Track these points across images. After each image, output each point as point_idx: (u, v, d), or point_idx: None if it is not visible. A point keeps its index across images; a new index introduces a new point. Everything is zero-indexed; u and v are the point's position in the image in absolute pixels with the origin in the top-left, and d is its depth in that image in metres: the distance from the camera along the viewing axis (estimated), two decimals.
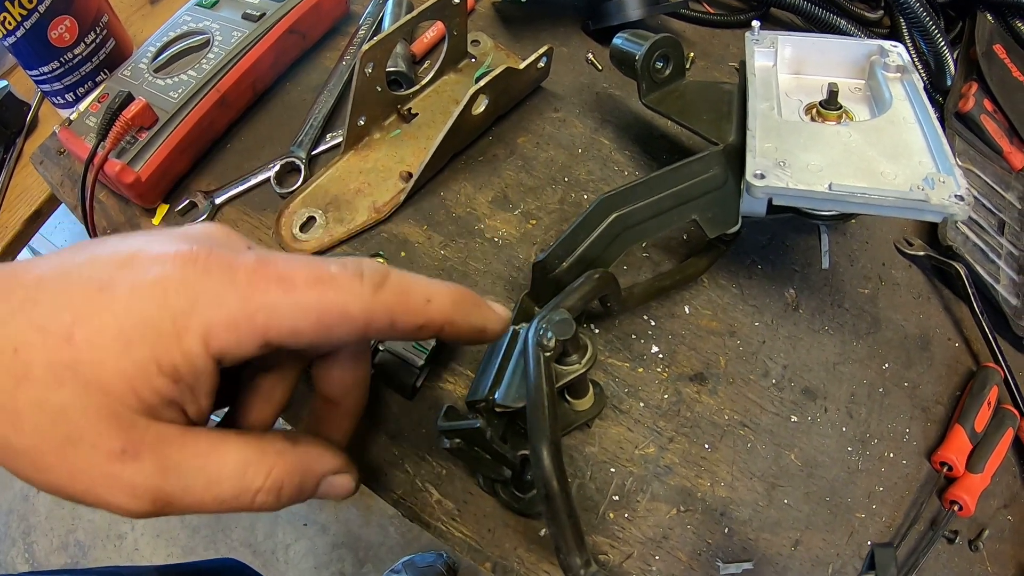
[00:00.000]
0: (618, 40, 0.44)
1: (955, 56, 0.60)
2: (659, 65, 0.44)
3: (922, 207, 0.32)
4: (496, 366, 0.33)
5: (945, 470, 0.43)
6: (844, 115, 0.43)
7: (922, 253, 0.50)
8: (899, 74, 0.43)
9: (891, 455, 0.43)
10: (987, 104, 0.57)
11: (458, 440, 0.30)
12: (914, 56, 0.59)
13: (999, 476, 0.43)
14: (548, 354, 0.30)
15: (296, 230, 0.45)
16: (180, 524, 1.47)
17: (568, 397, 0.36)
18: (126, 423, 0.19)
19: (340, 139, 0.49)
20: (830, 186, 0.33)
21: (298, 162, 0.48)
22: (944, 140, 0.36)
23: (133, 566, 0.65)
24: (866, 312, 0.48)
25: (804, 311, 0.46)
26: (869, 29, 0.61)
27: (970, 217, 0.51)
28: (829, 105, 0.42)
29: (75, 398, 0.19)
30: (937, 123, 0.38)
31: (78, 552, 1.48)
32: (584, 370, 0.32)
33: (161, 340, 0.19)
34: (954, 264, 0.48)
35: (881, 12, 0.62)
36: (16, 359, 0.18)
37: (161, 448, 0.20)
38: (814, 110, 0.43)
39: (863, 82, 0.47)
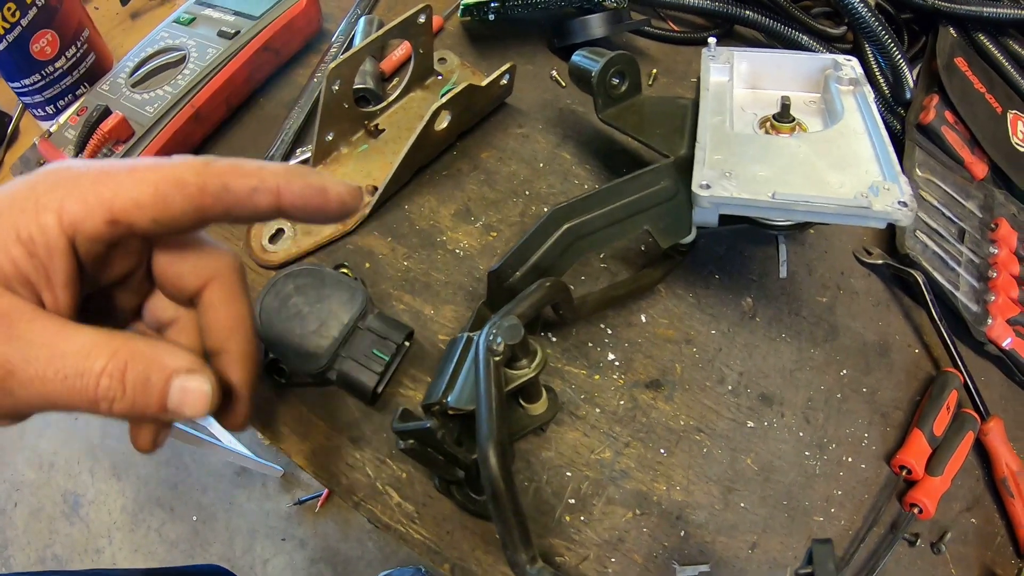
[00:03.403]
0: (576, 57, 0.46)
1: (917, 70, 0.62)
2: (615, 81, 0.45)
3: (865, 213, 0.34)
4: (450, 371, 0.34)
5: (904, 474, 0.44)
6: (797, 127, 0.44)
7: (880, 262, 0.51)
8: (852, 87, 0.45)
9: (849, 459, 0.44)
10: (948, 116, 0.58)
11: (412, 441, 0.31)
12: (876, 71, 0.60)
13: (960, 479, 0.44)
14: (497, 359, 0.31)
15: (265, 242, 0.47)
16: (159, 539, 1.47)
17: (522, 402, 0.37)
18: None
19: (309, 154, 0.50)
20: (773, 195, 0.34)
21: None
22: (891, 149, 0.38)
23: (120, 569, 0.65)
24: (824, 320, 0.49)
25: (761, 319, 0.47)
26: (832, 44, 0.62)
27: (929, 226, 0.53)
28: (782, 118, 0.44)
29: None
30: (885, 133, 0.39)
31: (55, 565, 1.48)
32: (533, 374, 0.33)
33: (23, 214, 0.21)
34: (912, 272, 0.49)
35: (844, 28, 0.63)
36: None
37: (9, 318, 0.21)
38: (768, 123, 0.45)
39: (818, 95, 0.48)
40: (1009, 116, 0.60)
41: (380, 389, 0.39)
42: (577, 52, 0.46)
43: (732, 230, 0.47)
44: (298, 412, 0.41)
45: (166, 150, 0.49)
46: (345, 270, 0.45)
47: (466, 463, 0.32)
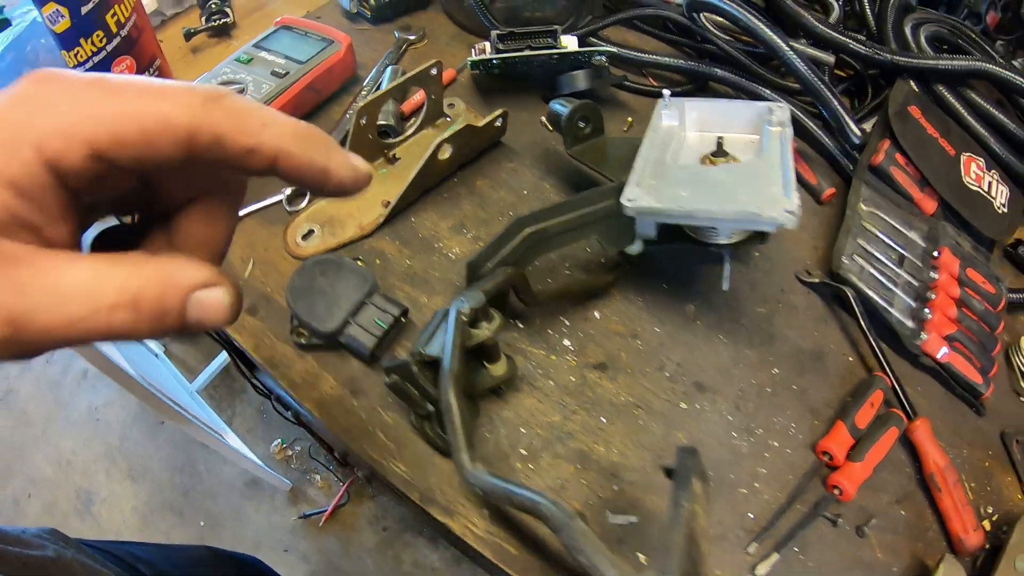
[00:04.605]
0: (552, 104, 0.57)
1: (875, 119, 0.69)
2: (582, 124, 0.57)
3: (756, 219, 0.43)
4: (430, 333, 0.44)
5: (826, 459, 0.49)
6: (730, 161, 0.54)
7: (818, 280, 0.58)
8: (780, 128, 0.54)
9: (776, 444, 0.50)
10: (899, 158, 0.65)
11: (395, 375, 0.41)
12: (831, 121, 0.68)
13: (890, 474, 0.49)
14: (464, 318, 0.41)
15: (299, 239, 0.58)
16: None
17: (485, 363, 0.46)
18: None
19: None
20: (681, 205, 0.44)
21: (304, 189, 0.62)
22: (792, 174, 0.46)
23: (185, 545, 0.68)
24: (762, 328, 0.56)
25: (702, 324, 0.56)
26: (795, 97, 0.71)
27: (867, 251, 0.59)
28: (717, 154, 0.54)
29: None
30: (791, 163, 0.48)
31: None
32: (491, 334, 0.42)
33: (2, 155, 0.19)
34: (843, 288, 0.56)
35: None
36: None
37: (8, 265, 0.19)
38: (707, 159, 0.55)
39: (758, 137, 0.57)
40: (963, 158, 0.66)
41: (377, 351, 0.49)
42: (553, 100, 0.58)
43: (680, 248, 0.57)
44: (311, 367, 0.51)
45: None
46: (360, 262, 0.56)
47: (434, 398, 0.42)
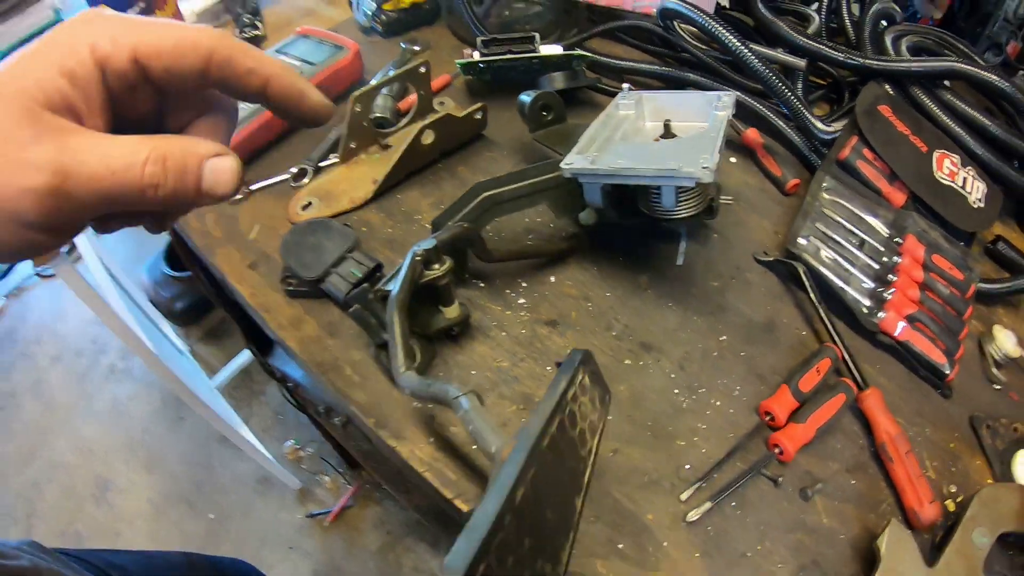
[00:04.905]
0: (521, 95, 0.65)
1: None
2: (544, 112, 0.63)
3: (676, 174, 0.48)
4: (392, 275, 0.50)
5: (768, 419, 0.51)
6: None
7: (772, 259, 0.62)
8: (724, 112, 0.58)
9: (718, 403, 0.53)
10: (866, 153, 0.68)
11: (356, 304, 0.47)
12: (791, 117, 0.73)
13: (841, 443, 0.51)
14: (418, 258, 0.47)
15: (299, 209, 0.66)
16: (177, 531, 1.58)
17: (440, 308, 0.52)
18: (35, 117, 0.24)
19: (338, 158, 0.70)
20: (611, 166, 0.49)
21: (308, 168, 0.70)
22: (719, 143, 0.51)
23: (163, 551, 0.73)
24: (713, 300, 0.59)
25: (653, 292, 0.60)
26: (767, 100, 0.76)
27: (825, 234, 0.63)
28: (665, 135, 0.60)
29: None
30: (722, 136, 0.52)
31: (74, 541, 1.59)
32: (441, 274, 0.48)
33: (61, 51, 0.25)
34: (794, 264, 0.59)
35: None
36: None
37: (61, 133, 0.25)
38: (656, 140, 0.61)
39: (707, 124, 0.62)
40: (935, 155, 0.69)
41: (351, 297, 0.55)
42: (523, 92, 0.65)
43: (637, 227, 0.62)
44: (297, 312, 0.58)
45: (240, 147, 0.69)
46: (349, 228, 0.63)
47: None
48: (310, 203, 0.66)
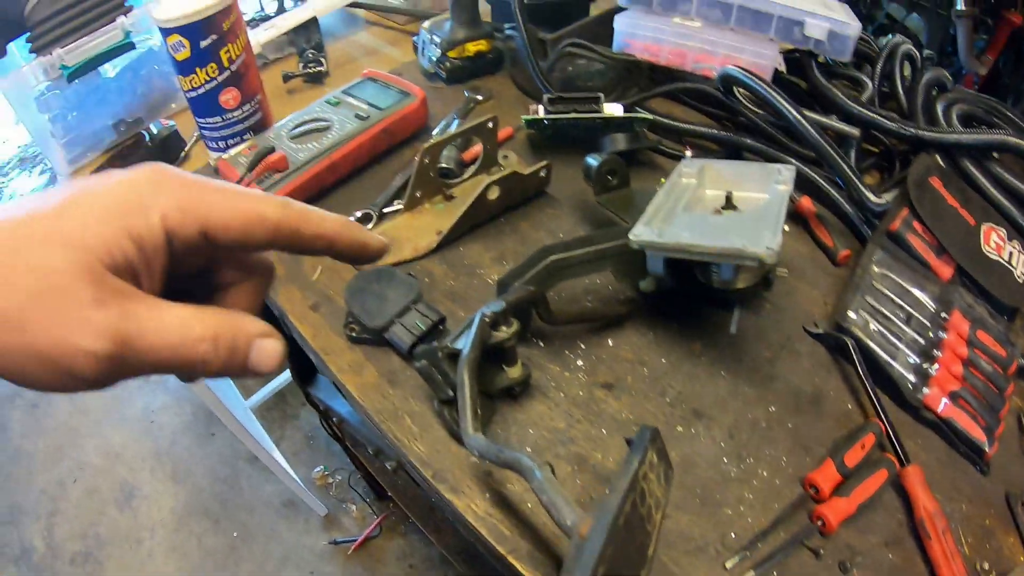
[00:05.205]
0: (587, 158, 0.67)
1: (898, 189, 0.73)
2: (609, 176, 0.65)
3: (739, 254, 0.49)
4: (459, 332, 0.52)
5: (812, 491, 0.51)
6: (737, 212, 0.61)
7: (823, 331, 0.62)
8: (785, 186, 0.60)
9: (765, 474, 0.53)
10: (916, 225, 0.69)
11: (424, 360, 0.49)
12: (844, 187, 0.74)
13: (880, 517, 0.51)
14: (486, 320, 0.49)
15: None
16: (197, 544, 1.60)
17: (504, 366, 0.53)
18: (99, 277, 0.24)
19: (402, 205, 0.73)
20: (678, 241, 0.51)
21: (372, 213, 0.72)
22: (781, 221, 0.52)
23: None
24: (763, 369, 0.60)
25: (705, 359, 0.61)
26: (820, 167, 0.76)
27: (874, 307, 0.63)
28: (726, 207, 0.61)
29: (63, 259, 0.24)
30: (783, 213, 0.54)
31: (95, 544, 1.61)
32: (507, 337, 0.50)
33: (131, 214, 0.25)
34: (844, 338, 0.59)
35: None
36: (6, 240, 0.24)
37: (123, 299, 0.25)
38: (717, 211, 0.62)
39: (767, 196, 0.62)
40: (983, 228, 0.69)
41: (415, 348, 0.57)
42: (588, 155, 0.67)
43: (693, 293, 0.63)
44: (358, 357, 0.60)
45: (308, 184, 0.72)
46: (412, 277, 0.65)
47: (455, 385, 0.49)
48: None
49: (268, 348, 0.28)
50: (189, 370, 0.26)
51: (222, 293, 0.32)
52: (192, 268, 0.30)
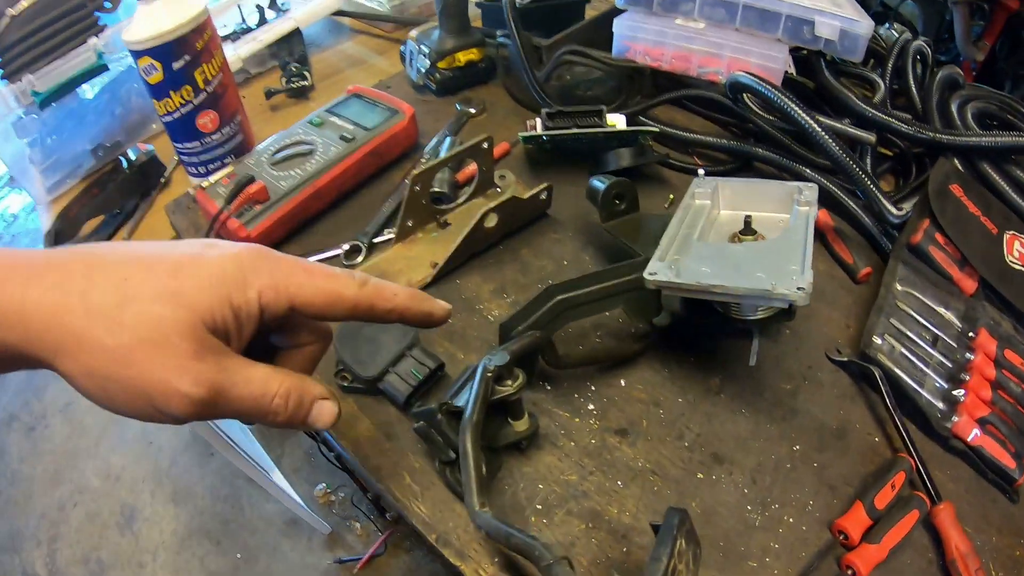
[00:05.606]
0: (591, 180, 0.62)
1: (918, 197, 0.70)
2: (617, 201, 0.61)
3: (768, 295, 0.45)
4: (459, 386, 0.48)
5: (841, 538, 0.48)
6: (757, 239, 0.56)
7: (846, 359, 0.58)
8: (807, 207, 0.56)
9: (791, 520, 0.50)
10: (938, 237, 0.65)
11: (422, 421, 0.45)
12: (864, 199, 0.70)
13: (911, 559, 0.49)
14: (489, 374, 0.45)
15: None
16: (200, 566, 1.57)
17: (509, 419, 0.49)
18: (200, 335, 0.29)
19: (393, 234, 0.68)
20: (699, 282, 0.47)
21: (362, 245, 0.68)
22: (808, 253, 0.48)
23: None
24: (785, 403, 0.57)
25: (725, 396, 0.57)
26: (835, 175, 0.72)
27: (899, 331, 0.59)
28: (744, 232, 0.57)
29: (171, 313, 0.28)
30: (811, 242, 0.50)
31: (97, 569, 1.58)
32: (513, 391, 0.46)
33: (234, 286, 0.30)
34: (870, 367, 0.56)
35: None
36: (126, 285, 0.28)
37: (219, 355, 0.30)
38: (736, 237, 0.58)
39: (787, 216, 0.58)
40: (1006, 236, 0.66)
41: (412, 399, 0.53)
42: (593, 176, 0.62)
43: (709, 322, 0.59)
44: (351, 409, 0.55)
45: (290, 216, 0.68)
46: None
47: (456, 446, 0.45)
48: None
49: (326, 409, 0.35)
50: (260, 419, 0.32)
51: (286, 353, 0.38)
52: (271, 330, 0.36)
